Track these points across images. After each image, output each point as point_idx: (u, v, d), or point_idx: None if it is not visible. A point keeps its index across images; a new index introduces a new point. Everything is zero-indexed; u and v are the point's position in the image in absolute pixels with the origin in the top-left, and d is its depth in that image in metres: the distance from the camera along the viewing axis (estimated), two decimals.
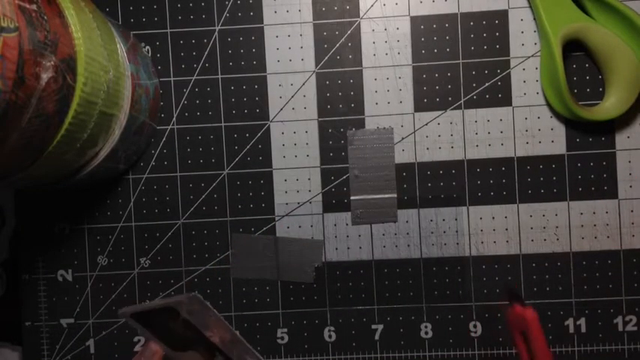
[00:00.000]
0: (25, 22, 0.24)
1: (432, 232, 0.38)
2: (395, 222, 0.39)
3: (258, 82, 0.39)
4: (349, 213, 0.39)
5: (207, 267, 0.39)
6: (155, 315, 0.29)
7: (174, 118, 0.39)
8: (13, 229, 0.40)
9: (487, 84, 0.38)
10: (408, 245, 0.39)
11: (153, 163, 0.39)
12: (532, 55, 0.38)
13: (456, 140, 0.38)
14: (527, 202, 0.38)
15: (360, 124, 0.39)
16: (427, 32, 0.38)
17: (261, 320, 0.39)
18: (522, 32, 0.38)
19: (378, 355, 0.39)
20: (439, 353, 0.38)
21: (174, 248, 0.39)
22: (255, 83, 0.39)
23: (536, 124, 0.38)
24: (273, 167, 0.39)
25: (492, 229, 0.38)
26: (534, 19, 0.38)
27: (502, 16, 0.38)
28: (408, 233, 0.38)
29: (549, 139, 0.38)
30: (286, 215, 0.39)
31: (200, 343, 0.30)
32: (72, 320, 0.39)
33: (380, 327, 0.39)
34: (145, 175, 0.39)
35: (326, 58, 0.39)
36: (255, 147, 0.39)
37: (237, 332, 0.31)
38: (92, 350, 0.39)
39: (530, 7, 0.38)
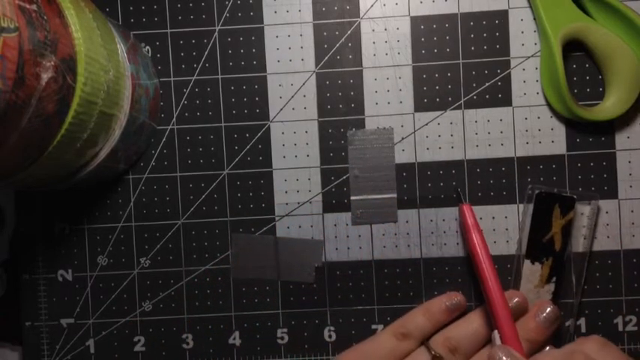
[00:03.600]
0: (25, 22, 0.24)
1: (432, 232, 0.38)
2: (395, 222, 0.39)
3: (258, 82, 0.39)
4: (349, 213, 0.39)
5: (207, 267, 0.39)
6: (551, 201, 0.36)
7: (174, 118, 0.39)
8: (13, 229, 0.40)
9: (487, 84, 0.38)
10: (408, 245, 0.39)
11: (153, 163, 0.39)
12: (532, 55, 0.38)
13: (456, 140, 0.38)
14: (527, 202, 0.38)
15: (360, 124, 0.39)
16: (427, 32, 0.38)
17: (261, 320, 0.39)
18: (522, 32, 0.38)
19: None
20: None
21: (174, 248, 0.39)
22: (255, 83, 0.39)
23: (536, 124, 0.38)
24: (273, 167, 0.39)
25: (492, 229, 0.38)
26: (534, 19, 0.38)
27: (502, 16, 0.38)
28: (408, 233, 0.38)
29: (549, 139, 0.38)
30: (286, 215, 0.39)
31: (550, 255, 0.36)
32: (72, 320, 0.39)
33: (380, 327, 0.39)
34: (145, 175, 0.39)
35: (326, 58, 0.39)
36: (255, 147, 0.39)
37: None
38: (92, 350, 0.39)
39: (530, 7, 0.38)
